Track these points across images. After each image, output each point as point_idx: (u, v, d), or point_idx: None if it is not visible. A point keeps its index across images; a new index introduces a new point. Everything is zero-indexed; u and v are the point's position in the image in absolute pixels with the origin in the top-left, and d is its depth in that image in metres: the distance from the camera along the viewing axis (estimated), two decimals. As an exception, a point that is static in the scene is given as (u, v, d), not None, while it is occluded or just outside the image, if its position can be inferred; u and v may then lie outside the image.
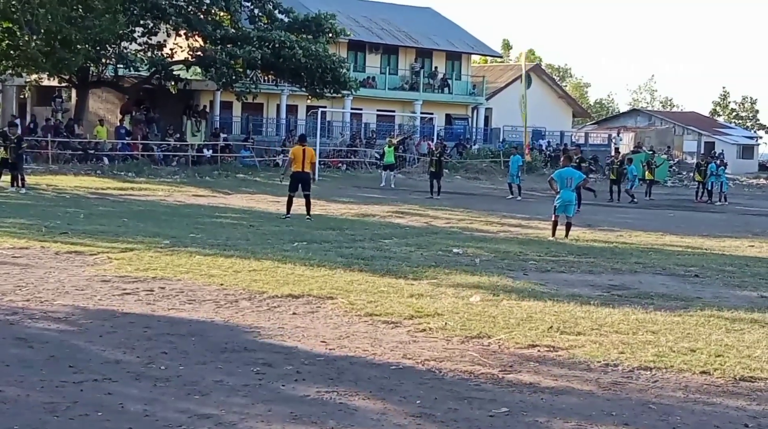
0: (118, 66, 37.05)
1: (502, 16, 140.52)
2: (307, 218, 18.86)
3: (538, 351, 8.06)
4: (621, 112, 80.00)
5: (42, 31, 30.61)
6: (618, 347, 8.15)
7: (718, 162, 36.68)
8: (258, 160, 38.64)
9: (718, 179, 34.53)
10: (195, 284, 10.67)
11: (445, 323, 8.91)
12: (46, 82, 38.62)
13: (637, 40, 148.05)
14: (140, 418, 5.89)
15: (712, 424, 6.29)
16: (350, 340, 8.22)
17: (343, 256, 13.27)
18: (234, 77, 36.20)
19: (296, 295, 10.14)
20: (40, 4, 29.75)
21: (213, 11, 37.08)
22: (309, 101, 43.02)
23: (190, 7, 36.57)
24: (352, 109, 46.47)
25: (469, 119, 54.21)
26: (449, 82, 52.44)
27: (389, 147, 34.06)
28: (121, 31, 33.91)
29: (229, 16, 37.24)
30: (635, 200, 31.15)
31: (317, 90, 37.95)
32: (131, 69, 36.72)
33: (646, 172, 35.26)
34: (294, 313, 9.32)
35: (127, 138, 36.91)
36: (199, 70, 37.80)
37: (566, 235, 17.40)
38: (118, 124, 37.96)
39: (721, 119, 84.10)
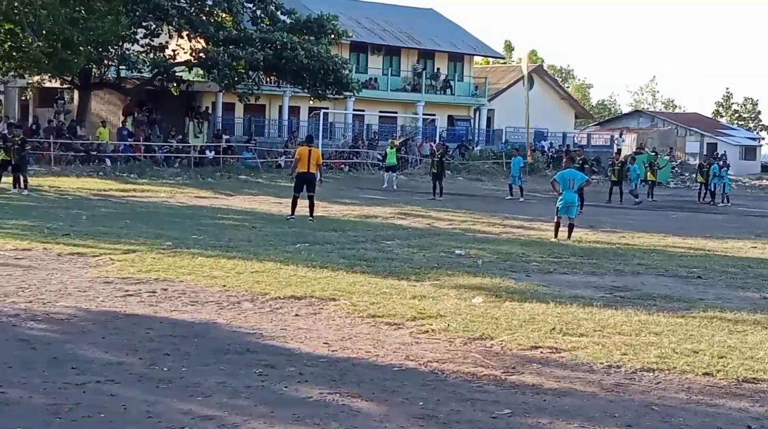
0: (121, 67, 37.05)
1: (504, 17, 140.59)
2: (310, 220, 18.85)
3: (541, 352, 8.05)
4: (623, 113, 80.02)
5: (44, 32, 30.60)
6: (621, 349, 8.14)
7: (721, 163, 36.59)
8: (260, 161, 38.67)
9: (721, 180, 34.47)
10: (197, 286, 10.66)
11: (448, 325, 8.90)
12: (48, 84, 38.64)
13: (637, 40, 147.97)
14: (143, 419, 5.89)
15: (715, 425, 6.28)
16: (353, 342, 8.21)
17: (346, 258, 13.27)
18: (236, 79, 36.21)
19: (299, 297, 10.14)
20: (43, 5, 29.75)
21: (215, 13, 37.08)
22: (311, 103, 43.01)
23: (193, 8, 36.61)
24: (354, 110, 46.51)
25: (472, 120, 54.22)
26: (451, 83, 52.46)
27: (391, 148, 34.09)
28: (123, 33, 33.95)
29: (231, 18, 37.21)
30: (639, 201, 31.09)
31: (319, 91, 37.94)
32: (133, 70, 36.77)
33: (648, 174, 35.21)
34: (296, 315, 9.32)
35: (129, 139, 36.95)
36: (201, 71, 37.83)
37: (569, 237, 17.39)
38: (121, 125, 38.02)
39: (723, 120, 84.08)
